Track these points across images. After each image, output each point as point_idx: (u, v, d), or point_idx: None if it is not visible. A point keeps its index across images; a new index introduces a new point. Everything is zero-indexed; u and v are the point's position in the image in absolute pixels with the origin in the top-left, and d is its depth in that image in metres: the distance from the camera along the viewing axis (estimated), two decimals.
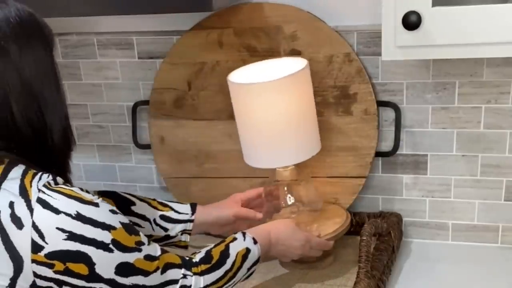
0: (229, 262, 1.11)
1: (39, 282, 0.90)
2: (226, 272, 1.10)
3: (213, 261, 1.10)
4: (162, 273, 1.00)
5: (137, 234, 0.99)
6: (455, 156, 1.46)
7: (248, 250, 1.15)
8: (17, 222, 0.88)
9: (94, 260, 0.92)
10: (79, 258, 0.91)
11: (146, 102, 1.61)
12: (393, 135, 1.46)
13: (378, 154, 1.48)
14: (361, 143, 1.46)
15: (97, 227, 0.92)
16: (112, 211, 0.96)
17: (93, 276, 0.92)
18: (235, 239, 1.16)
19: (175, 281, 1.02)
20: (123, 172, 1.74)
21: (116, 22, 1.58)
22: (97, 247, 0.92)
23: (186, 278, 1.04)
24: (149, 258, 0.98)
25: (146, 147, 1.64)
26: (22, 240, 0.88)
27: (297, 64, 1.34)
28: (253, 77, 1.34)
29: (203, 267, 1.08)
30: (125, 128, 1.68)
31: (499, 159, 1.43)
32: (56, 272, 0.90)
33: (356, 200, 1.54)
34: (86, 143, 1.73)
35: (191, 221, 1.33)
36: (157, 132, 1.60)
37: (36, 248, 0.89)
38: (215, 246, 1.14)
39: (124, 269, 0.95)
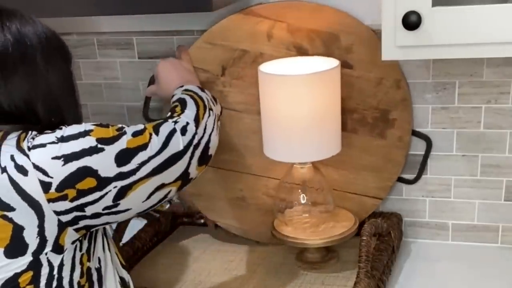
0: (191, 95, 1.21)
1: (63, 218, 0.94)
2: (198, 100, 1.19)
3: (180, 102, 1.18)
4: (157, 134, 1.03)
5: (113, 125, 1.01)
6: (455, 156, 1.46)
7: (186, 89, 1.25)
8: (22, 170, 0.92)
9: (94, 167, 0.95)
10: (81, 174, 0.94)
11: None
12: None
13: (400, 179, 1.48)
14: (386, 167, 1.45)
15: (77, 138, 0.95)
16: (81, 125, 0.99)
17: (103, 182, 0.96)
18: (174, 94, 1.26)
19: (173, 130, 1.06)
20: None
21: (116, 22, 1.58)
22: (90, 154, 0.95)
23: (178, 122, 1.09)
24: (137, 133, 1.01)
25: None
26: (32, 184, 0.92)
27: (329, 63, 1.33)
28: (284, 70, 1.33)
29: (178, 109, 1.15)
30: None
31: (499, 159, 1.43)
32: (72, 200, 0.94)
33: None
34: None
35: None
36: None
37: (45, 187, 0.92)
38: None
39: (123, 157, 0.98)
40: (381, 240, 1.42)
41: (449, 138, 1.45)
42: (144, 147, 1.00)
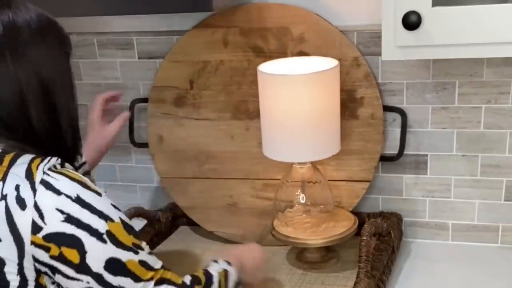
0: (215, 281, 1.09)
1: (38, 266, 0.91)
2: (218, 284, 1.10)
3: (203, 282, 1.07)
4: (155, 285, 0.98)
5: (137, 237, 0.98)
6: (455, 156, 1.46)
7: (225, 270, 1.13)
8: (21, 204, 0.90)
9: (86, 247, 0.91)
10: (73, 242, 0.91)
11: (144, 100, 1.61)
12: (394, 135, 1.47)
13: (383, 158, 1.48)
14: (366, 147, 1.46)
15: (94, 214, 0.92)
16: (114, 206, 0.97)
17: (83, 266, 0.92)
18: (208, 265, 1.14)
19: None
20: (123, 172, 1.74)
21: (116, 22, 1.58)
22: (91, 234, 0.92)
23: None
24: (144, 265, 0.97)
25: (144, 145, 1.63)
26: (24, 220, 0.90)
27: (328, 63, 1.33)
28: (283, 70, 1.34)
29: (203, 283, 1.07)
30: (124, 128, 1.67)
31: (499, 159, 1.43)
32: (51, 257, 0.91)
33: None
34: None
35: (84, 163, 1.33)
36: (155, 130, 1.59)
37: (35, 229, 0.89)
38: (194, 272, 1.10)
39: (114, 265, 0.93)
40: (381, 240, 1.42)
41: (449, 138, 1.45)
42: (136, 278, 0.95)
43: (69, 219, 0.91)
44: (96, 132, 1.43)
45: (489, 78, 1.38)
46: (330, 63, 1.33)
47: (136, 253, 0.96)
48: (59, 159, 0.96)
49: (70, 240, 0.91)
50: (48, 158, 0.94)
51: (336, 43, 1.41)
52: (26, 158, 0.94)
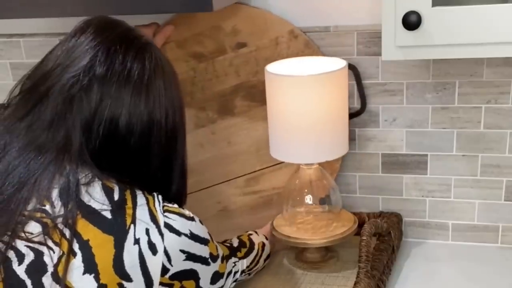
0: (256, 248, 1.28)
1: None
2: (255, 257, 1.27)
3: (248, 246, 1.25)
4: (226, 267, 1.11)
5: (213, 238, 1.06)
6: (455, 156, 1.46)
7: (264, 243, 1.32)
8: (153, 249, 0.94)
9: (200, 275, 1.01)
10: (191, 275, 0.99)
11: None
12: (394, 135, 1.47)
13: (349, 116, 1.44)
14: None
15: (202, 243, 1.01)
16: (201, 222, 1.03)
17: None
18: (251, 234, 1.32)
19: (230, 272, 1.14)
20: None
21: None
22: (202, 263, 1.01)
23: (235, 264, 1.17)
24: (222, 259, 1.08)
25: None
26: (155, 265, 0.94)
27: (336, 64, 1.33)
28: (291, 70, 1.34)
29: (243, 251, 1.23)
30: None
31: (499, 159, 1.43)
32: None
33: (356, 200, 1.54)
34: None
35: None
36: None
37: (164, 271, 0.95)
38: (240, 235, 1.29)
39: (215, 277, 1.05)
40: (381, 240, 1.42)
41: (449, 138, 1.45)
42: (222, 275, 1.09)
43: (189, 256, 0.98)
44: None
45: (489, 78, 1.38)
46: (339, 63, 1.33)
47: (219, 255, 1.06)
48: (159, 195, 0.99)
49: (189, 274, 0.99)
50: (156, 195, 0.98)
51: (268, 24, 1.42)
52: (142, 198, 0.96)
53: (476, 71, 1.38)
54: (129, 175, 0.99)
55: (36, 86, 0.99)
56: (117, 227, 0.92)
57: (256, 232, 1.35)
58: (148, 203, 0.96)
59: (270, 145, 1.38)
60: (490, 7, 1.09)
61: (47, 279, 0.89)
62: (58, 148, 0.95)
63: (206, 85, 1.47)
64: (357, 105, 1.46)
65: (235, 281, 1.17)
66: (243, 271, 1.21)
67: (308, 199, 1.42)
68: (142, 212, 0.94)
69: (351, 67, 1.42)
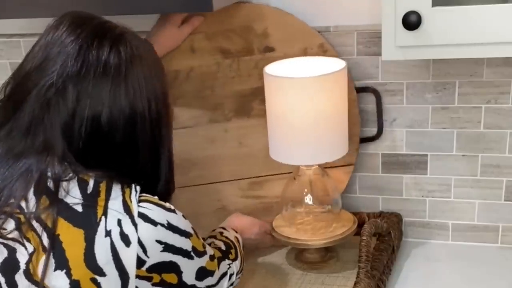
0: (237, 246, 1.23)
1: None
2: (241, 256, 1.23)
3: (233, 246, 1.21)
4: (218, 268, 1.08)
5: (199, 235, 1.03)
6: (455, 156, 1.46)
7: (236, 237, 1.27)
8: (125, 240, 0.91)
9: (181, 268, 0.98)
10: (171, 268, 0.96)
11: None
12: (395, 134, 1.47)
13: (363, 139, 1.47)
14: None
15: (182, 235, 0.97)
16: (184, 216, 1.01)
17: (181, 284, 0.99)
18: (222, 232, 1.27)
19: (225, 273, 1.11)
20: None
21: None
22: (183, 256, 0.97)
23: (230, 266, 1.14)
24: (211, 258, 1.05)
25: None
26: (129, 257, 0.91)
27: (335, 64, 1.33)
28: (289, 72, 1.34)
29: (233, 253, 1.19)
30: None
31: (499, 159, 1.43)
32: (153, 284, 0.95)
33: (356, 200, 1.54)
34: None
35: None
36: None
37: (140, 263, 0.92)
38: (217, 235, 1.25)
39: (200, 273, 1.02)
40: (381, 240, 1.42)
41: (449, 138, 1.45)
42: (212, 273, 1.06)
43: (167, 247, 0.95)
44: (168, 32, 1.43)
45: (489, 78, 1.38)
46: (338, 64, 1.33)
47: (206, 253, 1.03)
48: (137, 186, 0.97)
49: (169, 266, 0.96)
50: (133, 186, 0.96)
51: (299, 34, 1.42)
52: (118, 190, 0.95)
53: (476, 71, 1.38)
54: (118, 171, 0.97)
55: (15, 92, 0.98)
56: (87, 220, 0.90)
57: (224, 228, 1.30)
58: (123, 194, 0.94)
59: (269, 147, 1.38)
60: (490, 7, 1.09)
61: (20, 277, 0.88)
62: (38, 153, 0.94)
63: (227, 82, 1.45)
64: (372, 127, 1.48)
65: (231, 284, 1.15)
66: (237, 273, 1.19)
67: (308, 199, 1.42)
68: (114, 203, 0.92)
69: (372, 91, 1.44)
